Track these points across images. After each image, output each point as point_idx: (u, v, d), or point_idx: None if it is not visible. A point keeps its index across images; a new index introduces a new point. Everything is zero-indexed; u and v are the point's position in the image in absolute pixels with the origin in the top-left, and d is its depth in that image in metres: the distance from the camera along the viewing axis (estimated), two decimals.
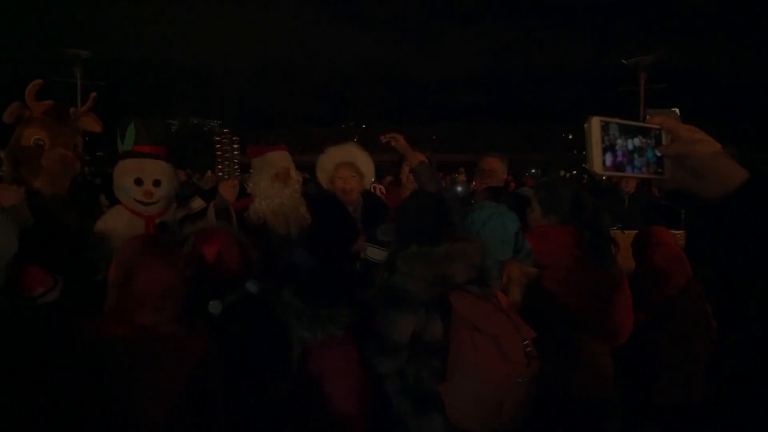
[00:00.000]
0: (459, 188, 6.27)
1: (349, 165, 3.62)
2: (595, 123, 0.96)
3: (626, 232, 3.96)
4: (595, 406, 2.59)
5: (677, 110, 1.62)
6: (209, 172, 7.24)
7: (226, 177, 3.24)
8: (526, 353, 1.99)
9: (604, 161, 0.96)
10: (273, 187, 3.34)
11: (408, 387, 2.20)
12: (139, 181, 3.03)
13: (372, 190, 4.11)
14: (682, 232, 4.44)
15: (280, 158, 3.47)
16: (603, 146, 0.97)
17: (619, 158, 0.98)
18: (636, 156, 1.00)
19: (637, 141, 1.00)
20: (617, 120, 0.99)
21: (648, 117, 1.05)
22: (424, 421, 2.15)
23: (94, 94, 3.29)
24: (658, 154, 1.02)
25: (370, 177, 3.83)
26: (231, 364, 2.05)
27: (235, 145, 3.28)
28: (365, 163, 3.74)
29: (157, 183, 3.05)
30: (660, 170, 1.02)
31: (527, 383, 1.98)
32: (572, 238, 2.58)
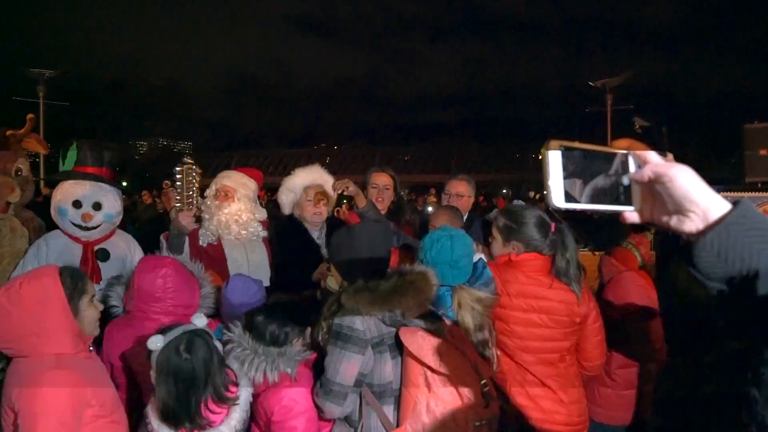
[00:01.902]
0: (430, 209, 6.19)
1: (318, 188, 3.50)
2: (554, 149, 0.82)
3: (596, 253, 3.90)
4: None
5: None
6: (166, 183, 7.00)
7: (183, 208, 3.10)
8: (483, 393, 1.83)
9: (565, 193, 0.83)
10: (213, 205, 3.25)
11: None
12: (77, 204, 2.85)
13: (335, 214, 3.98)
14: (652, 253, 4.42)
15: (223, 177, 3.40)
16: (564, 175, 0.83)
17: (582, 189, 0.84)
18: (600, 185, 0.86)
19: (601, 168, 0.86)
20: (579, 145, 0.84)
21: (617, 143, 0.89)
22: None
23: (30, 115, 3.11)
24: (625, 182, 0.87)
25: (333, 201, 3.72)
26: (166, 405, 1.89)
27: (195, 176, 3.13)
28: (331, 186, 3.64)
29: (97, 206, 2.87)
30: (628, 202, 0.88)
31: (486, 426, 1.82)
32: (538, 265, 2.48)
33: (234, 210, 3.25)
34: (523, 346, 2.43)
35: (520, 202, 3.47)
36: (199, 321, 2.00)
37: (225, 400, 1.93)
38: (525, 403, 2.39)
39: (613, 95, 23.72)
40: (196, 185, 3.12)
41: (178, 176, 3.12)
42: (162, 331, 1.95)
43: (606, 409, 3.03)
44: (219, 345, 2.00)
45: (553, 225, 2.57)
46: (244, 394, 1.97)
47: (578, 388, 2.55)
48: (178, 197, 3.07)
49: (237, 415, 1.93)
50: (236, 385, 1.97)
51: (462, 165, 30.51)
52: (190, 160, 3.27)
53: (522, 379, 2.43)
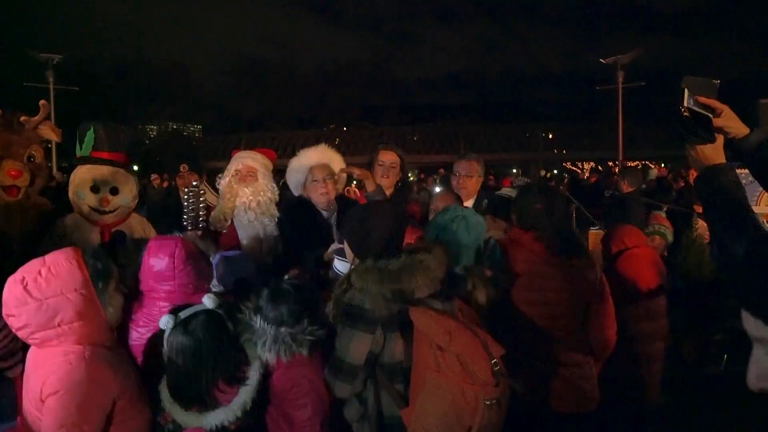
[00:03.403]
0: (437, 189, 6.19)
1: (324, 168, 3.49)
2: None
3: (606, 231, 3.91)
4: (573, 421, 2.49)
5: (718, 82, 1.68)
6: (183, 167, 7.03)
7: (189, 228, 3.07)
8: (494, 372, 1.83)
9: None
10: (233, 186, 3.19)
11: (367, 413, 2.05)
12: (95, 188, 2.89)
13: (346, 194, 3.98)
14: (659, 239, 4.42)
15: (245, 156, 3.33)
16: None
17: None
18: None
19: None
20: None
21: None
22: None
23: (43, 102, 3.10)
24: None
25: (343, 181, 3.72)
26: (177, 385, 1.92)
27: (203, 196, 3.12)
28: (339, 165, 3.63)
29: (114, 191, 2.92)
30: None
31: (496, 404, 1.83)
32: (542, 244, 2.48)
33: (259, 188, 3.21)
34: (531, 324, 2.45)
35: (524, 180, 3.49)
36: (209, 301, 2.02)
37: (235, 381, 1.95)
38: (535, 381, 2.42)
39: (624, 72, 23.35)
40: (203, 205, 3.09)
41: (185, 197, 3.10)
42: (174, 310, 1.98)
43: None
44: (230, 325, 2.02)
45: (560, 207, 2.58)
46: (255, 374, 1.99)
47: (588, 366, 2.57)
48: (186, 217, 3.05)
49: (247, 394, 1.95)
50: (248, 365, 1.99)
51: (470, 145, 30.31)
52: (195, 183, 3.24)
53: (531, 357, 2.45)
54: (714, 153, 1.60)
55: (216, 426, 1.89)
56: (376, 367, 2.04)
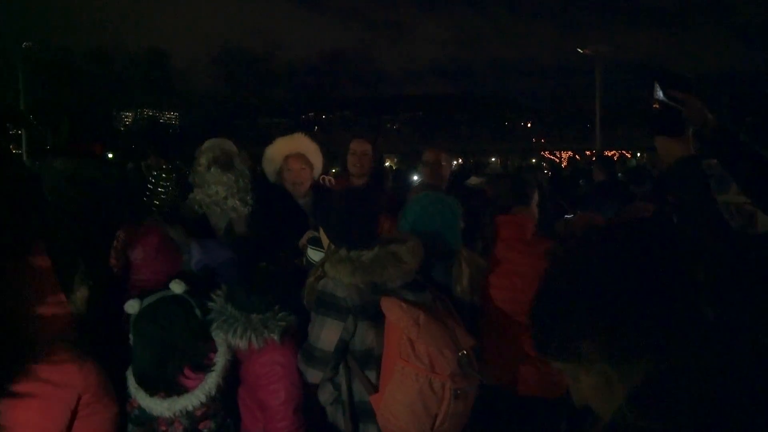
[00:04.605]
0: (415, 177, 6.21)
1: (299, 157, 3.46)
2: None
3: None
4: (541, 405, 2.54)
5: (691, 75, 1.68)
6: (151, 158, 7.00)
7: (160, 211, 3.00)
8: (461, 363, 1.89)
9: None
10: (210, 173, 3.15)
11: (340, 398, 2.08)
12: (71, 179, 2.83)
13: (321, 182, 3.97)
14: None
15: (220, 142, 3.24)
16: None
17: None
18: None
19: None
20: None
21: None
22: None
23: None
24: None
25: (319, 169, 3.70)
26: (142, 371, 1.91)
27: (170, 179, 3.05)
28: (315, 153, 3.61)
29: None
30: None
31: (462, 395, 1.89)
32: (516, 229, 2.53)
33: (236, 176, 3.17)
34: (504, 310, 2.48)
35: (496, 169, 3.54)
36: (177, 287, 2.01)
37: (201, 369, 1.95)
38: (506, 370, 2.46)
39: (602, 64, 23.60)
40: (169, 189, 3.03)
41: (152, 181, 3.03)
42: (141, 295, 1.96)
43: None
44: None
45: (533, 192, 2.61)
46: (221, 360, 2.00)
47: None
48: (156, 201, 2.99)
49: (212, 380, 1.96)
50: (214, 352, 1.99)
51: (451, 134, 30.42)
52: (165, 167, 3.15)
53: (504, 346, 2.48)
54: (682, 146, 1.58)
55: (180, 411, 1.88)
56: (348, 354, 2.07)
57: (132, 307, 1.92)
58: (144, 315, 1.90)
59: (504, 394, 2.47)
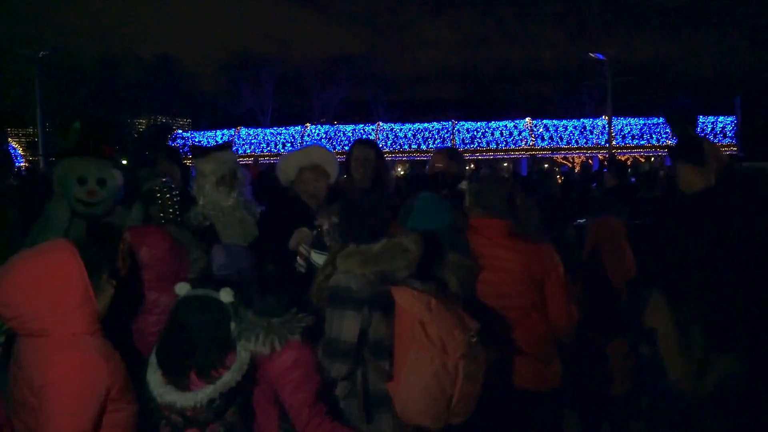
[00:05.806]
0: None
1: (314, 169, 3.47)
2: None
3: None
4: (534, 397, 2.60)
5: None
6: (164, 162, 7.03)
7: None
8: (471, 345, 1.99)
9: None
10: (218, 191, 3.18)
11: (355, 390, 2.16)
12: (82, 180, 2.90)
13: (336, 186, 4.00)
14: None
15: (225, 159, 3.29)
16: None
17: None
18: None
19: None
20: None
21: None
22: (374, 423, 2.13)
23: None
24: None
25: (335, 176, 3.72)
26: (164, 352, 1.98)
27: (173, 192, 3.09)
28: (330, 163, 3.60)
29: (101, 182, 2.93)
30: None
31: (474, 375, 2.00)
32: (497, 229, 2.62)
33: (242, 190, 3.23)
34: (485, 304, 2.55)
35: (488, 171, 3.59)
36: (181, 289, 2.04)
37: (206, 378, 1.97)
38: (494, 358, 2.51)
39: (613, 67, 23.53)
40: (175, 200, 3.06)
41: (157, 195, 3.06)
42: (194, 282, 2.03)
43: None
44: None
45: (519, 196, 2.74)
46: (240, 365, 2.02)
47: (549, 347, 2.67)
48: (162, 214, 3.02)
49: (226, 378, 1.98)
50: (226, 368, 2.00)
51: (462, 140, 30.38)
52: (165, 179, 3.18)
53: (489, 335, 2.54)
54: (703, 176, 1.62)
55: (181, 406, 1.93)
56: (363, 345, 2.15)
57: (181, 288, 1.98)
58: (181, 303, 1.97)
59: (495, 385, 2.52)
